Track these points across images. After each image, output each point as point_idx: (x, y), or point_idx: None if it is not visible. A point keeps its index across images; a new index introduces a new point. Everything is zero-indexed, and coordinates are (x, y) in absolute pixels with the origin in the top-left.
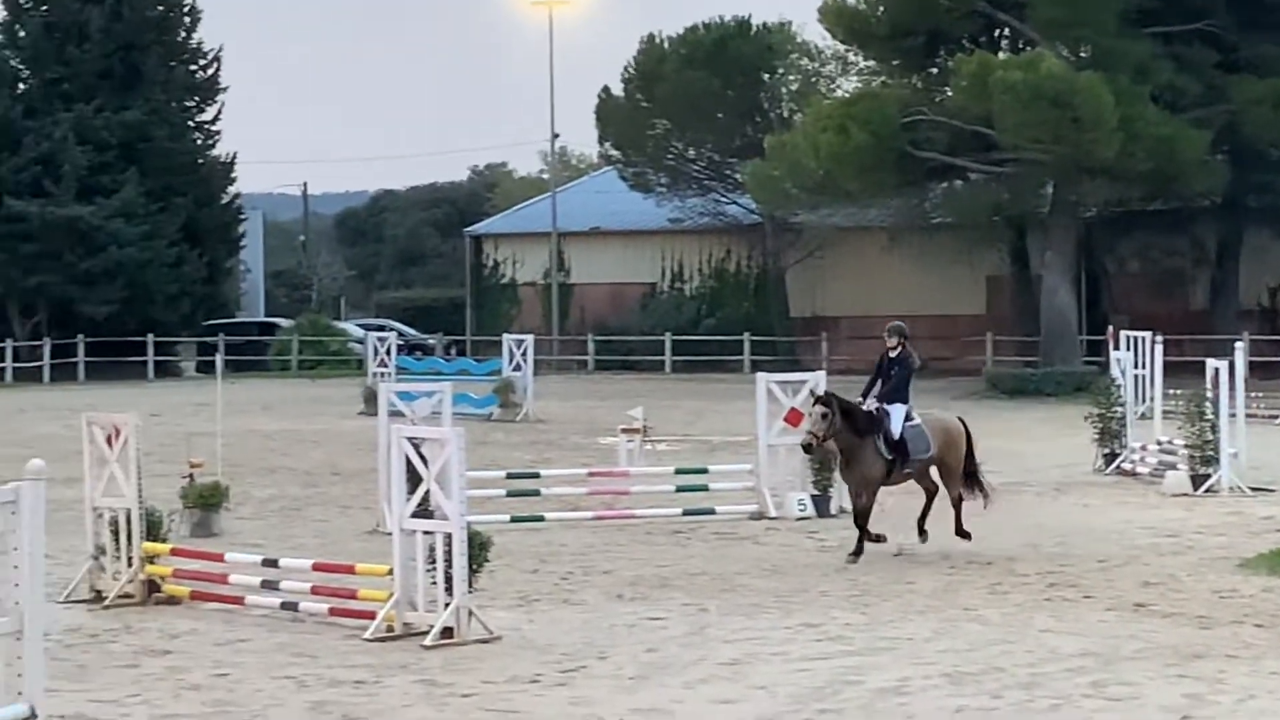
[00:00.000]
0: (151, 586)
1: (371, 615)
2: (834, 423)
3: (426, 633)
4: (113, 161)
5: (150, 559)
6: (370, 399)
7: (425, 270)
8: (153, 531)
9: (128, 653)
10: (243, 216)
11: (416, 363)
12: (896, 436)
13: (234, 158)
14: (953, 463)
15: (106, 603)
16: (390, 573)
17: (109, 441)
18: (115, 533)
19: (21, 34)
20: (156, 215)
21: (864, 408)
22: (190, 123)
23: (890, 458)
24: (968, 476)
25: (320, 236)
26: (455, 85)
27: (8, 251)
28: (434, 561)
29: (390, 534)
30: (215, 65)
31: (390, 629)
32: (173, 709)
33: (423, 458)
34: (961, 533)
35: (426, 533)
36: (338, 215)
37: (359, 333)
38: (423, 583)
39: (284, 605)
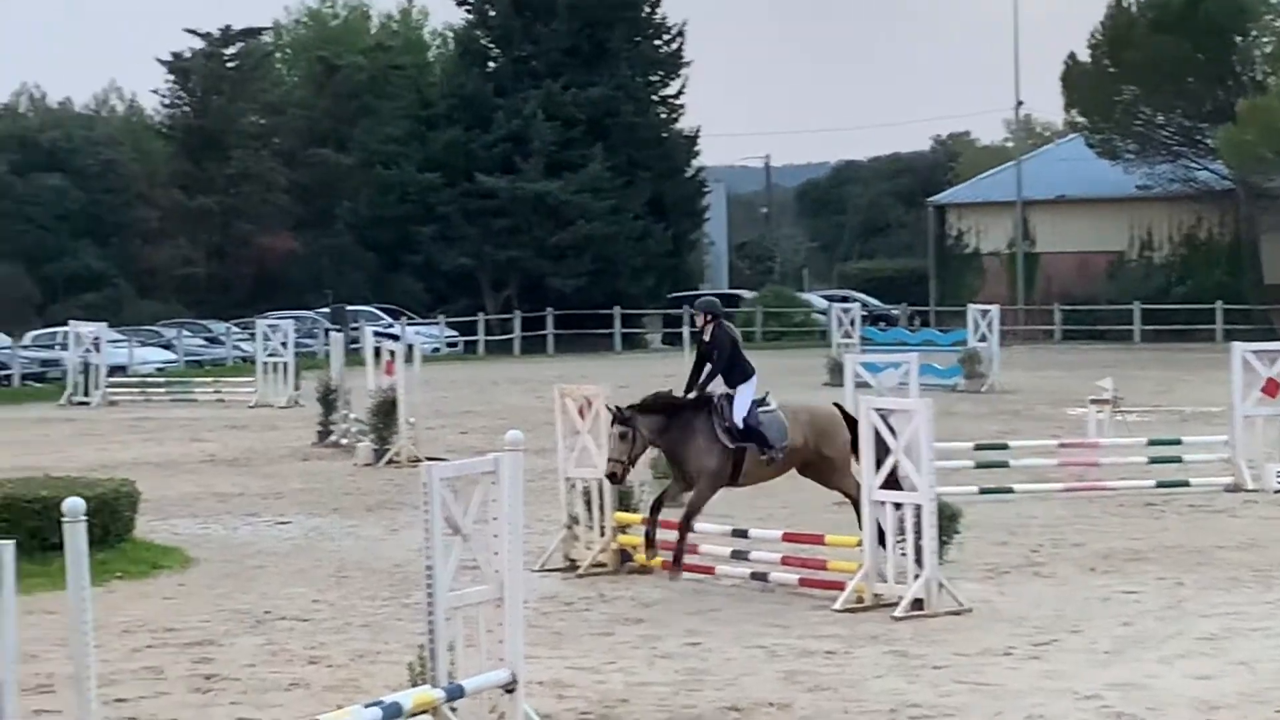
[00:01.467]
0: (624, 556)
1: (841, 586)
2: (639, 442)
3: (896, 604)
4: (580, 137)
5: (622, 529)
6: (835, 370)
7: (888, 241)
8: (624, 501)
9: (602, 620)
10: (706, 190)
11: (881, 334)
12: (740, 422)
13: (697, 131)
14: (834, 455)
15: (580, 571)
16: (860, 544)
17: (581, 413)
18: (588, 503)
19: (491, 13)
20: (623, 189)
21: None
22: (655, 97)
23: (733, 446)
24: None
25: (782, 208)
26: (917, 54)
27: (479, 226)
28: (903, 533)
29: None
30: (679, 39)
31: (860, 600)
32: (647, 676)
33: (890, 429)
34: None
35: (896, 504)
36: (799, 187)
37: (822, 304)
38: (892, 554)
39: (754, 575)
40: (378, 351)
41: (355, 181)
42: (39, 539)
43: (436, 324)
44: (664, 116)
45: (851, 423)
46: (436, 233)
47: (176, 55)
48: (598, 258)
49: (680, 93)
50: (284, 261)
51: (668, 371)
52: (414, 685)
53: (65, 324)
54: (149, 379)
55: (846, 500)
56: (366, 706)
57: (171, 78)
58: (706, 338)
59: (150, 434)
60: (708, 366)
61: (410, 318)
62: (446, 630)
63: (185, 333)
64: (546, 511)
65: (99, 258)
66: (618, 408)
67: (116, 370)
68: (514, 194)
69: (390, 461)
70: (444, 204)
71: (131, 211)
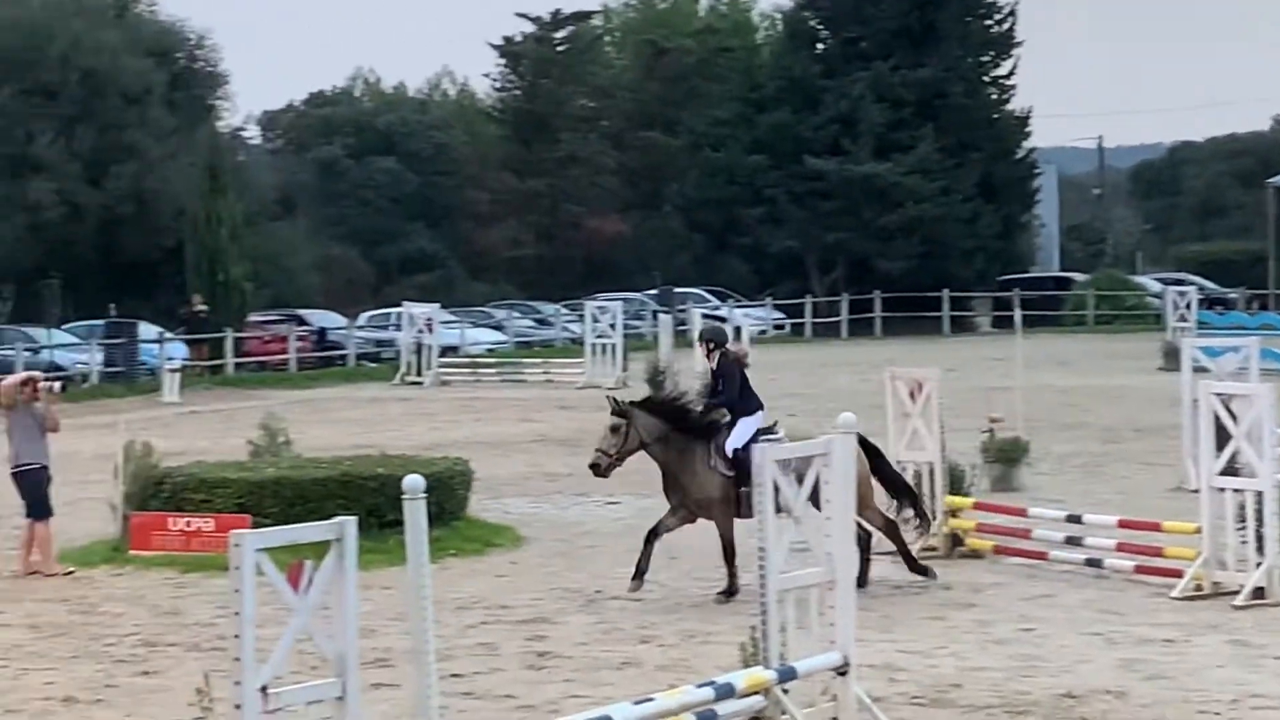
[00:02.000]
0: (955, 539)
1: (1178, 574)
2: (631, 438)
3: (1237, 592)
4: (909, 119)
5: (953, 513)
6: (1170, 354)
7: (1225, 223)
8: (956, 485)
9: (933, 605)
10: (1037, 171)
11: (1218, 318)
12: (731, 450)
13: (1029, 112)
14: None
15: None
16: (1198, 531)
17: (911, 396)
18: (918, 486)
19: None
20: (952, 171)
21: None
22: (985, 78)
23: (728, 474)
24: (899, 495)
25: (1115, 190)
26: (1255, 31)
27: (807, 209)
28: (1244, 520)
29: (1196, 491)
30: (1010, 19)
31: (1199, 588)
32: (979, 661)
33: (1231, 414)
34: (916, 568)
35: (1236, 491)
36: (1133, 168)
37: (1156, 287)
38: (1233, 542)
39: (1088, 561)
40: None
41: (683, 164)
42: (376, 516)
43: (763, 306)
44: (995, 97)
45: (871, 451)
46: (764, 215)
47: (507, 39)
48: (926, 240)
49: (1011, 73)
50: (612, 244)
51: (996, 355)
52: (746, 666)
53: (399, 305)
54: (480, 359)
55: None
56: (699, 686)
57: (502, 61)
58: (713, 366)
59: (481, 414)
60: (719, 396)
61: (737, 300)
62: (778, 612)
63: (515, 314)
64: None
65: (431, 240)
66: (617, 399)
67: (448, 351)
68: (842, 176)
69: None
70: (771, 186)
71: (463, 194)
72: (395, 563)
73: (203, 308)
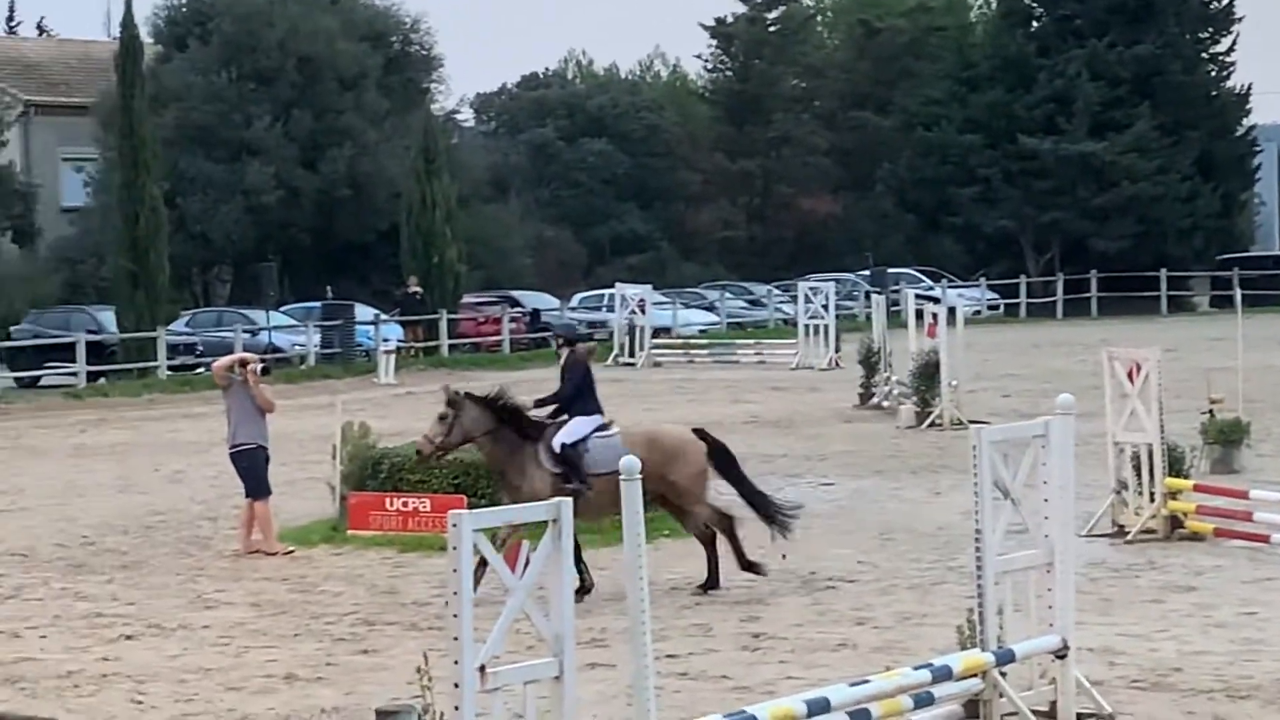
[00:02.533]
0: (1174, 522)
1: None
2: (456, 430)
3: None
4: (1125, 96)
5: (1172, 495)
6: None
7: None
8: (1175, 467)
9: (1152, 588)
10: (1257, 148)
11: None
12: (558, 447)
13: (1248, 89)
14: (681, 481)
15: (1129, 537)
16: None
17: (1130, 376)
18: (1136, 468)
19: None
20: (1169, 150)
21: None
22: (1204, 54)
23: (555, 471)
24: (748, 500)
25: None
26: None
27: (1021, 188)
28: None
29: None
30: None
31: None
32: (1201, 645)
33: None
34: (746, 565)
35: None
36: None
37: None
38: None
39: None
40: (919, 314)
41: (895, 144)
42: None
43: (977, 286)
44: (1213, 74)
45: (719, 450)
46: (978, 194)
47: (720, 20)
48: (1143, 219)
49: (1231, 49)
50: (824, 224)
51: (1215, 335)
52: (963, 649)
53: (611, 286)
54: (692, 340)
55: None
56: (915, 668)
57: (714, 42)
58: (561, 364)
59: (694, 395)
60: (559, 390)
61: (950, 280)
62: (995, 594)
63: (727, 295)
64: (1093, 476)
65: (643, 221)
66: (453, 390)
67: (661, 332)
68: (1057, 155)
69: (933, 424)
70: (985, 166)
71: (674, 175)
72: (609, 543)
73: (418, 289)
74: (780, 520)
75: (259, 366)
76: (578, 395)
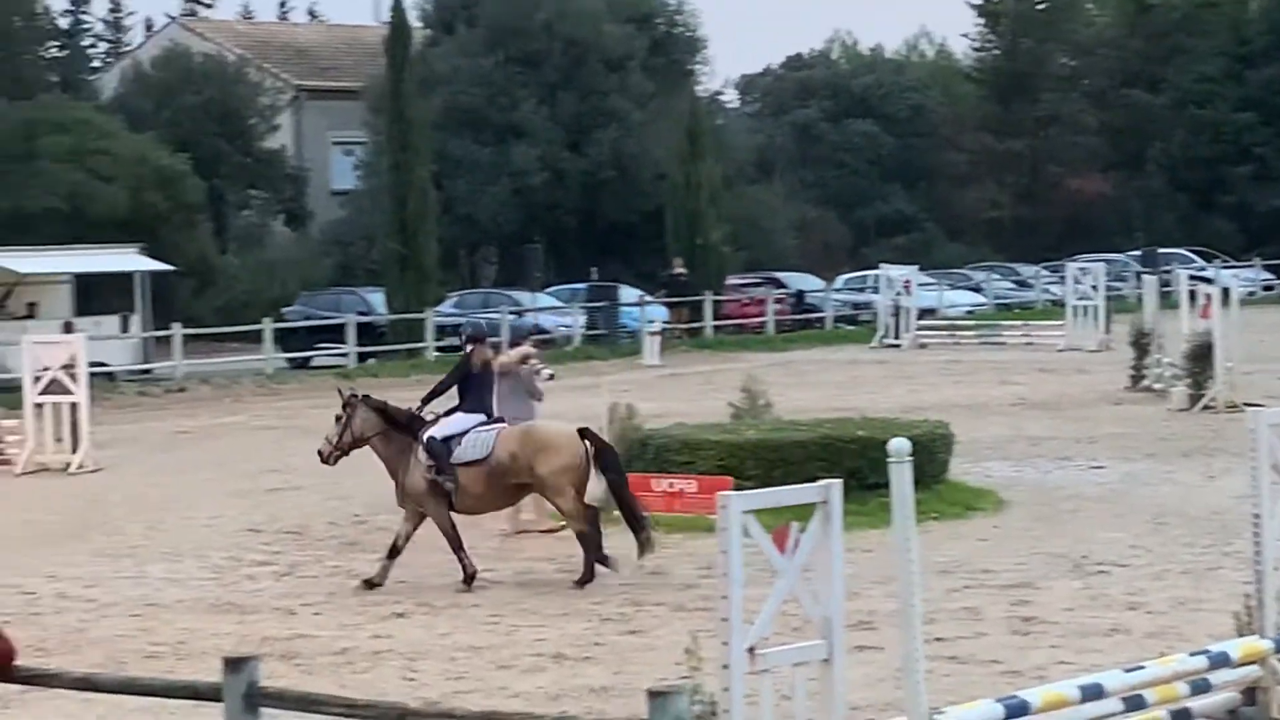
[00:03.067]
0: None
1: None
2: (351, 428)
3: None
4: None
5: None
6: None
7: None
8: None
9: None
10: None
11: None
12: (425, 438)
13: None
14: (550, 478)
15: None
16: None
17: None
18: None
19: None
20: None
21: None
22: None
23: (427, 463)
24: (620, 506)
25: None
26: None
27: None
28: None
29: None
30: None
31: None
32: None
33: None
34: (600, 560)
35: None
36: None
37: None
38: None
39: None
40: (1192, 295)
41: (1167, 122)
42: (857, 478)
43: (1251, 266)
44: None
45: (600, 447)
46: (1252, 173)
47: None
48: None
49: None
50: (1093, 204)
51: None
52: (1240, 635)
53: (876, 267)
54: (958, 321)
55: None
56: (1191, 655)
57: (981, 21)
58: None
59: (960, 376)
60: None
61: (1224, 260)
62: (1274, 580)
63: (994, 276)
64: None
65: (908, 201)
66: (348, 392)
67: (926, 313)
68: None
69: (1206, 407)
70: (1260, 144)
71: (940, 155)
72: (876, 525)
73: (683, 271)
74: (645, 538)
75: (541, 369)
76: (465, 392)
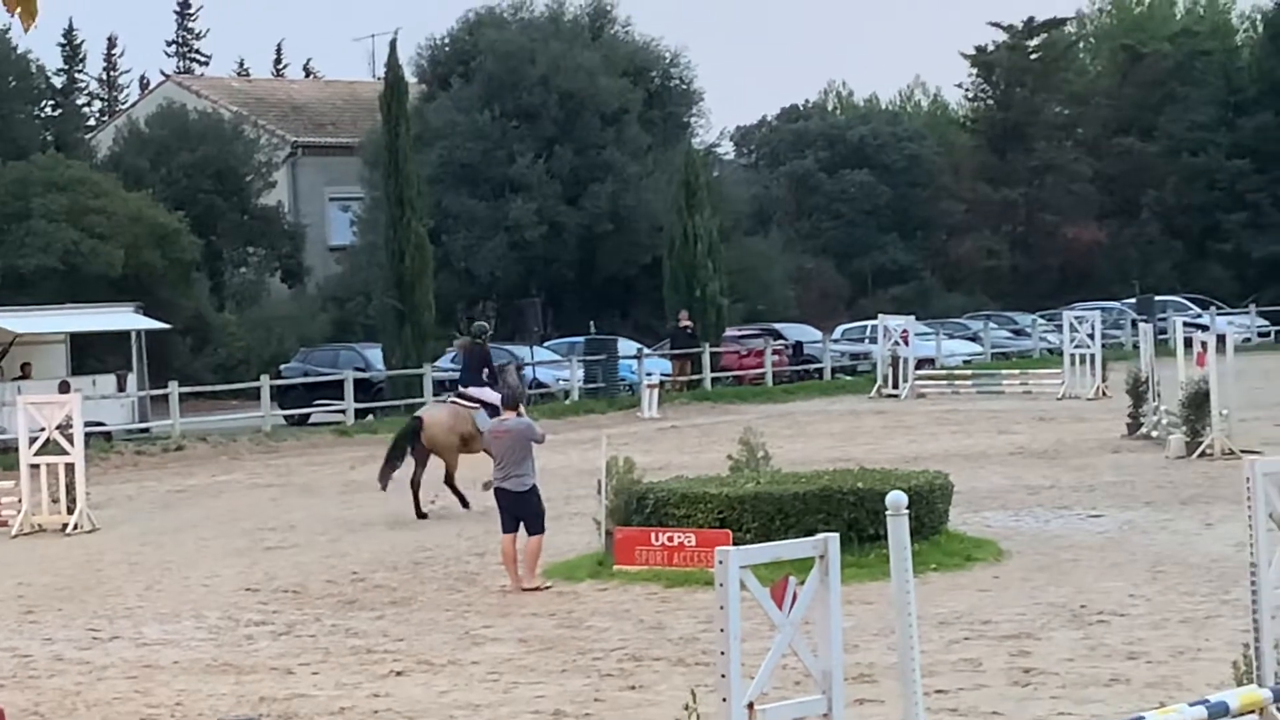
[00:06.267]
0: None
1: None
2: None
3: None
4: None
5: None
6: None
7: None
8: None
9: None
10: None
11: None
12: None
13: None
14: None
15: None
16: None
17: None
18: None
19: None
20: None
21: None
22: None
23: None
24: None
25: None
26: None
27: None
28: None
29: None
30: None
31: None
32: None
33: None
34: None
35: None
36: None
37: None
38: None
39: None
40: (1188, 342)
41: (1161, 170)
42: (856, 530)
43: (1247, 313)
44: None
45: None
46: (1246, 220)
47: (980, 49)
48: None
49: None
50: (1089, 252)
51: None
52: (1239, 684)
53: (874, 317)
54: (956, 371)
55: None
56: (1191, 705)
57: (975, 71)
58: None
59: (959, 426)
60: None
61: (1220, 307)
62: (1272, 628)
63: (991, 324)
64: None
65: (905, 251)
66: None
67: (924, 363)
68: None
69: (1203, 454)
70: (1254, 191)
71: (936, 205)
72: (876, 577)
73: (689, 324)
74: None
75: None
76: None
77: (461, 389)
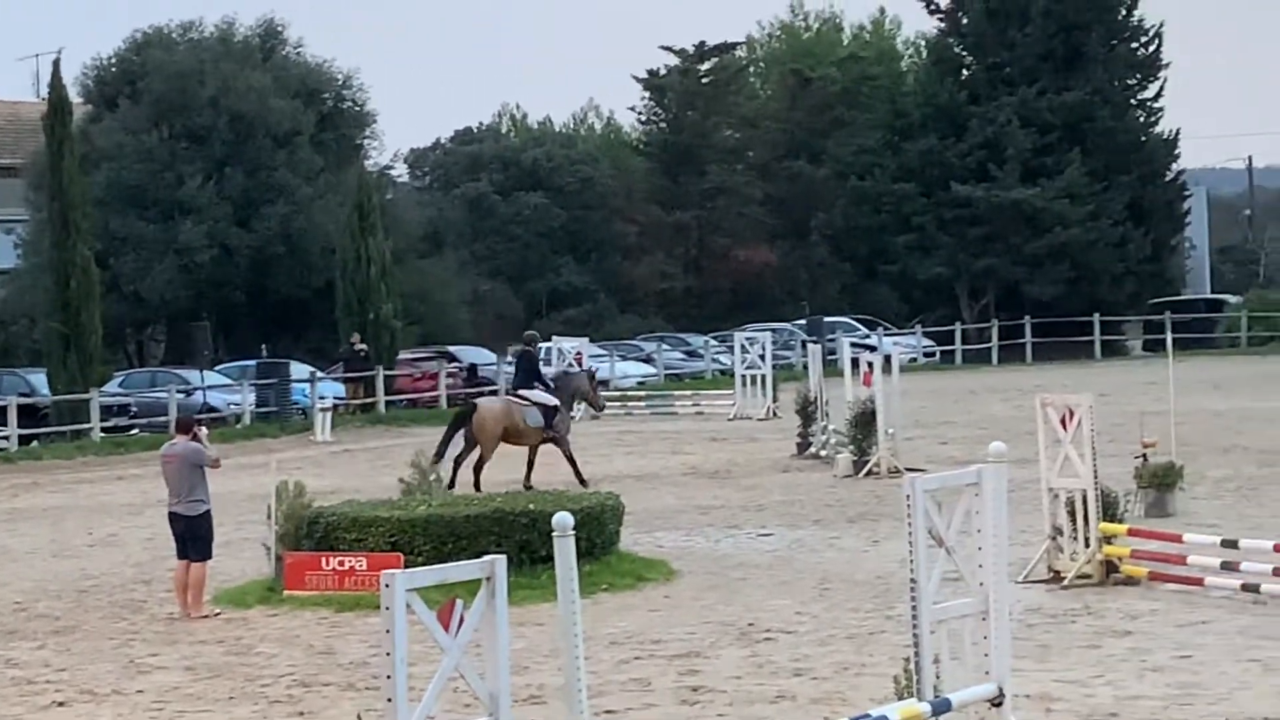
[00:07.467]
0: (1109, 567)
1: None
2: None
3: None
4: (1055, 143)
5: (1107, 539)
6: None
7: None
8: (1109, 512)
9: (1088, 633)
10: (1186, 193)
11: None
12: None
13: (1176, 134)
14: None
15: (1065, 583)
16: None
17: (1063, 423)
18: (1071, 513)
19: (965, 21)
20: (1100, 195)
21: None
22: (1132, 101)
23: None
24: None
25: (1266, 211)
26: None
27: (955, 235)
28: None
29: None
30: (1157, 41)
31: None
32: (1137, 690)
33: None
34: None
35: None
36: None
37: None
38: None
39: (1245, 587)
40: (855, 362)
41: (829, 193)
42: (528, 552)
43: (913, 334)
44: (1142, 120)
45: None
46: (912, 242)
47: (652, 73)
48: (1076, 265)
49: (1159, 95)
50: (760, 274)
51: (1149, 379)
52: (900, 699)
53: (548, 340)
54: (629, 393)
55: None
56: None
57: (647, 94)
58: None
59: (632, 447)
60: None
61: (887, 328)
62: (931, 643)
63: (665, 346)
64: (1029, 522)
65: (580, 274)
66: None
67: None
68: (990, 202)
69: (870, 472)
70: (919, 214)
71: (610, 227)
72: (549, 598)
73: (363, 346)
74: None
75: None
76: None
77: (517, 390)
